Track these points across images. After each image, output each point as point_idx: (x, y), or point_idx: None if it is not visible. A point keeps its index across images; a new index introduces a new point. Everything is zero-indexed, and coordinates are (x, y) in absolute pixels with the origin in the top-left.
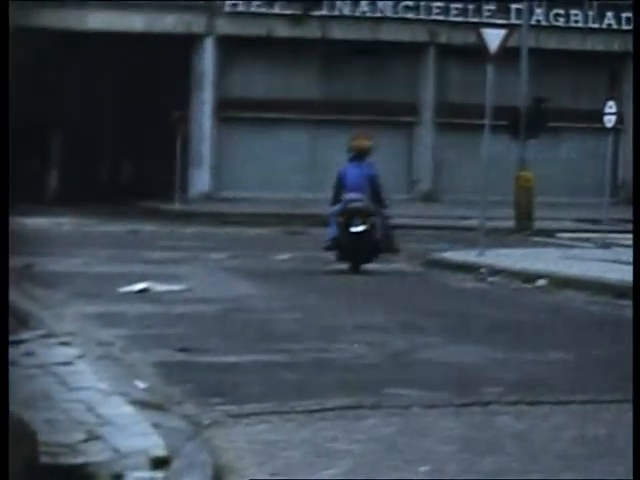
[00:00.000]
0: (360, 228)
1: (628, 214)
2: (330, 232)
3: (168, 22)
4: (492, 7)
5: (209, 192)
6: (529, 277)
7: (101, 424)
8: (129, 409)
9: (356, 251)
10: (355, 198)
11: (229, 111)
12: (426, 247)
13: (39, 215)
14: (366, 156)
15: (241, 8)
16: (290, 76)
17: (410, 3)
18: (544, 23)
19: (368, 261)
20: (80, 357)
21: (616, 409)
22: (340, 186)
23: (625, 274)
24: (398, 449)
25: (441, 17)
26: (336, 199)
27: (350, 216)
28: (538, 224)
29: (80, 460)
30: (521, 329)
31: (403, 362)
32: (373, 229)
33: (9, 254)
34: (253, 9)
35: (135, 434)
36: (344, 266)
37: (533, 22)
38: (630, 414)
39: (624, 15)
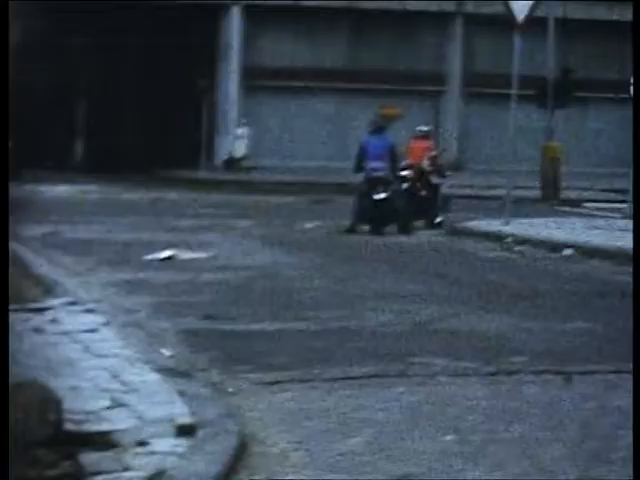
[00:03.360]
0: (382, 195)
1: None
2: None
3: None
4: None
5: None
6: (555, 246)
7: (126, 391)
8: (154, 376)
9: (378, 216)
10: (377, 167)
11: (255, 80)
12: (452, 216)
13: (64, 183)
14: (390, 124)
15: None
16: (317, 45)
17: None
18: None
19: (388, 225)
20: (105, 324)
21: None
22: (362, 155)
23: None
24: (423, 418)
25: None
26: (358, 167)
27: (373, 184)
28: (564, 194)
29: (104, 427)
30: (547, 298)
31: (429, 331)
32: (393, 196)
33: (27, 223)
34: None
35: (160, 402)
36: (368, 233)
37: None
38: None
39: None
